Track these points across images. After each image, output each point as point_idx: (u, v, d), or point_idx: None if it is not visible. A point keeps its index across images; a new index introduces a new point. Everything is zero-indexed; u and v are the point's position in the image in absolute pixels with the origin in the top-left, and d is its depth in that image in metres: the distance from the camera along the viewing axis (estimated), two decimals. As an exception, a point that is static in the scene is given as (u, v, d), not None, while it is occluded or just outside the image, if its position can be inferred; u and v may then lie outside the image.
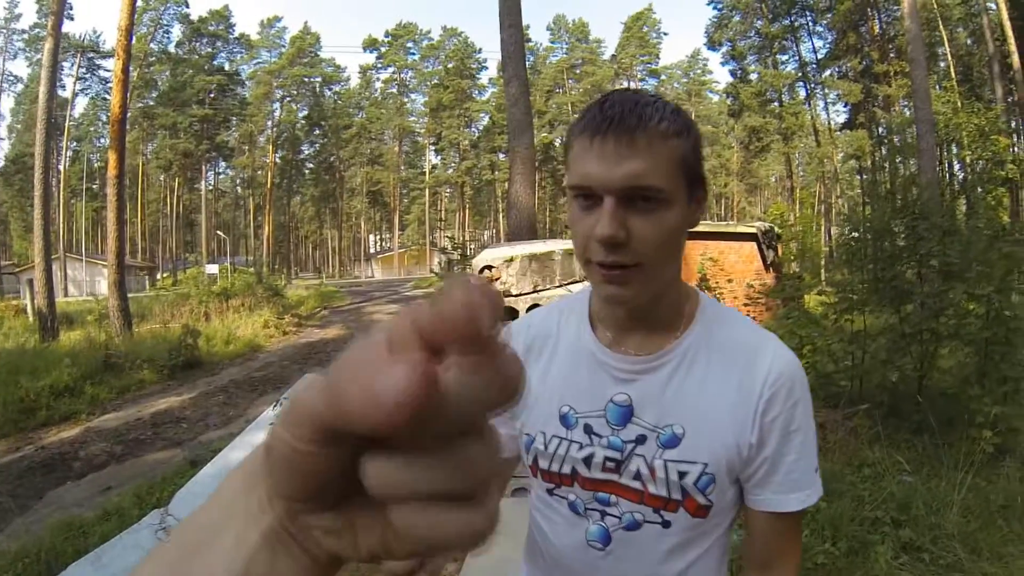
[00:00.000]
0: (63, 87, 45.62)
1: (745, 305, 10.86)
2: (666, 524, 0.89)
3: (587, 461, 0.91)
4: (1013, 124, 26.75)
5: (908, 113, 29.21)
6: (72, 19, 46.26)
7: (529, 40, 57.13)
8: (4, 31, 50.49)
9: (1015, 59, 22.73)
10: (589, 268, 0.85)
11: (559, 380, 0.95)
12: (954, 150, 28.80)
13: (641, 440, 0.88)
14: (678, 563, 0.90)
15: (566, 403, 0.93)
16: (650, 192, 0.80)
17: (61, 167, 45.24)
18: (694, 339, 0.91)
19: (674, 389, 0.89)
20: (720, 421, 0.87)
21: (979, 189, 15.59)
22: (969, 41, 30.97)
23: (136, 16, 14.40)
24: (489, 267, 5.24)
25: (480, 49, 65.36)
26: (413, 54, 66.17)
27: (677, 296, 0.93)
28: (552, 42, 64.50)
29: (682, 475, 0.87)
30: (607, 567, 0.92)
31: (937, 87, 28.05)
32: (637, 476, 0.88)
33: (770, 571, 0.93)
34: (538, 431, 0.95)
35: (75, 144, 53.62)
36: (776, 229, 12.36)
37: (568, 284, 8.18)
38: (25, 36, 50.00)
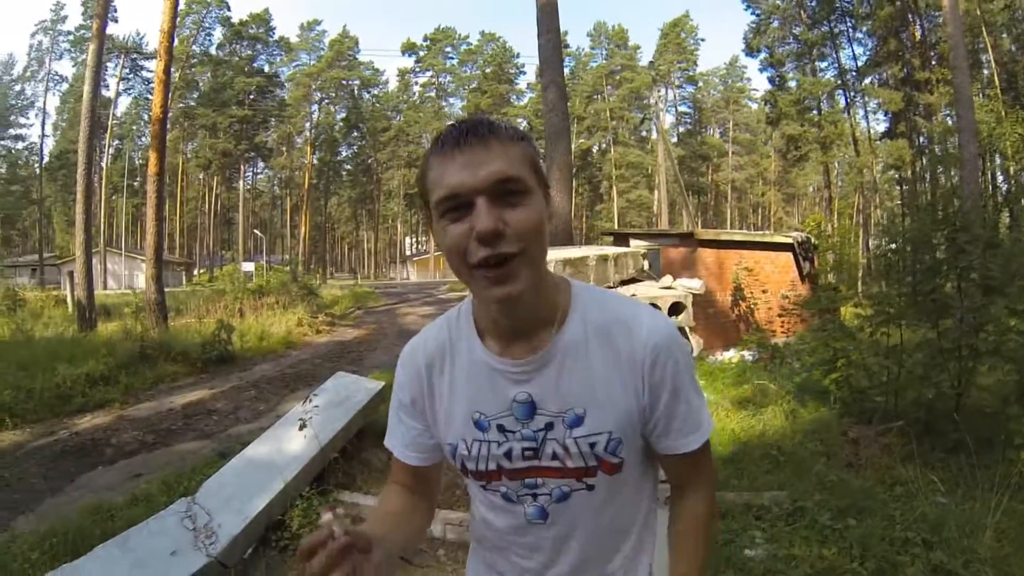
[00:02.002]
0: (107, 87, 46.94)
1: (779, 316, 10.72)
2: (590, 488, 1.00)
3: (507, 455, 1.00)
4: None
5: (950, 122, 28.55)
6: (116, 21, 47.54)
7: (568, 46, 57.20)
8: (51, 32, 52.06)
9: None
10: (473, 276, 0.89)
11: (465, 392, 1.03)
12: (997, 160, 28.09)
13: (550, 427, 0.98)
14: (608, 512, 1.03)
15: (476, 410, 1.01)
16: (516, 184, 0.87)
17: (103, 164, 46.39)
18: (574, 327, 0.99)
19: (567, 377, 0.97)
20: (614, 393, 0.97)
21: (1023, 201, 15.16)
22: (1013, 47, 30.12)
23: (178, 19, 14.73)
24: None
25: (518, 54, 65.72)
26: (451, 58, 66.68)
27: (550, 290, 1.00)
28: (592, 48, 64.41)
29: (592, 446, 0.97)
30: (551, 535, 1.03)
31: (980, 95, 27.37)
32: (555, 456, 0.99)
33: (685, 492, 1.08)
34: (459, 439, 1.04)
35: (117, 142, 54.94)
36: (813, 240, 12.17)
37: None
38: (71, 37, 51.54)
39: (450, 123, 0.92)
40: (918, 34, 33.08)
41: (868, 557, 3.12)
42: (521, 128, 0.96)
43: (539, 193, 0.92)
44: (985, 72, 29.88)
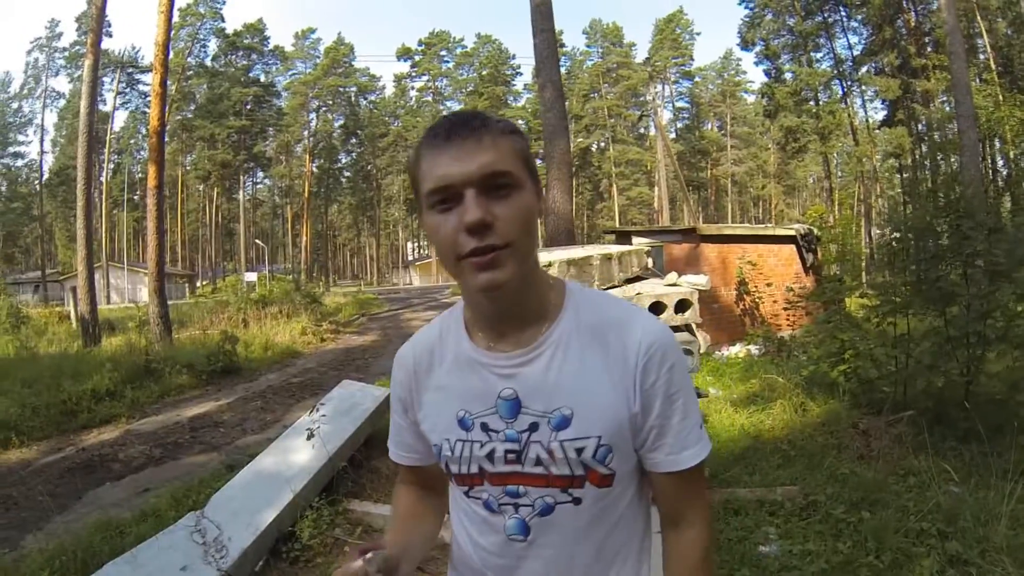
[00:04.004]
0: (103, 102, 46.99)
1: (785, 309, 10.68)
2: (577, 501, 0.95)
3: (490, 457, 0.97)
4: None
5: (948, 108, 28.49)
6: (111, 36, 47.83)
7: (564, 45, 57.22)
8: (46, 49, 52.14)
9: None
10: (460, 266, 0.88)
11: (451, 389, 1.01)
12: (997, 145, 28.01)
13: (534, 427, 0.94)
14: (596, 534, 0.97)
15: (462, 408, 0.99)
16: (505, 178, 0.87)
17: (103, 179, 46.47)
18: (565, 324, 0.97)
19: (554, 374, 0.94)
20: (603, 395, 0.93)
21: (1025, 185, 15.13)
22: (1009, 31, 30.04)
23: (173, 31, 14.75)
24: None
25: (514, 55, 65.74)
26: (447, 62, 66.73)
27: (542, 285, 0.98)
28: (587, 46, 64.43)
29: (579, 451, 0.92)
30: (531, 556, 0.98)
31: (977, 80, 27.30)
32: (538, 462, 0.94)
33: (680, 525, 1.00)
34: (443, 439, 1.01)
35: (116, 156, 55.07)
36: (815, 231, 12.13)
37: (607, 288, 8.15)
38: (66, 53, 51.49)
39: (443, 115, 0.93)
40: (913, 21, 33.02)
41: (883, 549, 3.10)
42: (517, 125, 0.93)
43: (530, 187, 0.91)
44: (981, 57, 29.84)
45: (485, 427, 0.97)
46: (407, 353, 1.09)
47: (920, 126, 34.09)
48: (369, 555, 0.82)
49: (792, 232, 11.74)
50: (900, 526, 3.29)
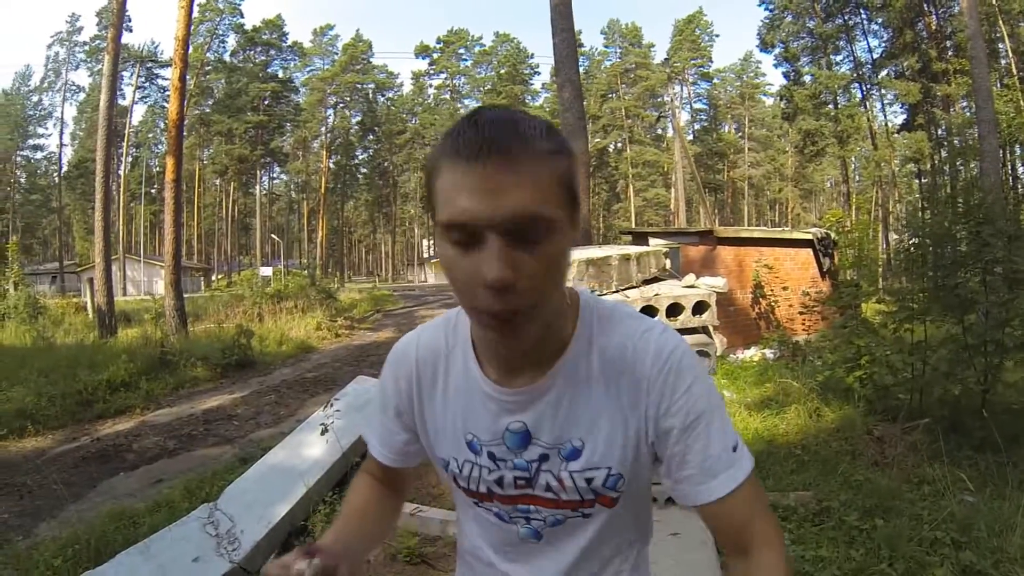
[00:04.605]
0: (123, 95, 47.39)
1: (800, 313, 10.62)
2: (586, 516, 0.93)
3: (499, 482, 0.93)
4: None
5: (968, 113, 28.17)
6: (131, 31, 47.80)
7: (583, 45, 57.06)
8: (67, 43, 52.75)
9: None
10: (473, 313, 0.78)
11: (458, 410, 0.94)
12: (1018, 151, 27.67)
13: (544, 458, 0.90)
14: (606, 534, 0.95)
15: (469, 431, 0.94)
16: (540, 223, 0.72)
17: (121, 172, 46.80)
18: (578, 352, 0.89)
19: (566, 408, 0.88)
20: (615, 426, 0.88)
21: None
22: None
23: (192, 27, 14.83)
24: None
25: (532, 54, 65.60)
26: (465, 60, 66.77)
27: (560, 319, 0.88)
28: (606, 46, 64.26)
29: (590, 481, 0.89)
30: (544, 551, 0.97)
31: (998, 85, 26.96)
32: (548, 488, 0.91)
33: (745, 554, 0.87)
34: (451, 456, 0.96)
35: (135, 150, 55.56)
36: (832, 235, 12.05)
37: (625, 289, 8.15)
38: (86, 48, 52.14)
39: (472, 113, 0.75)
40: (934, 24, 32.66)
41: (897, 558, 3.08)
42: (557, 130, 0.78)
43: (567, 224, 0.76)
44: (1003, 62, 29.46)
45: (492, 456, 0.92)
46: (407, 358, 0.99)
47: (940, 131, 33.70)
48: (309, 562, 0.79)
49: (809, 236, 11.66)
50: (914, 534, 3.25)
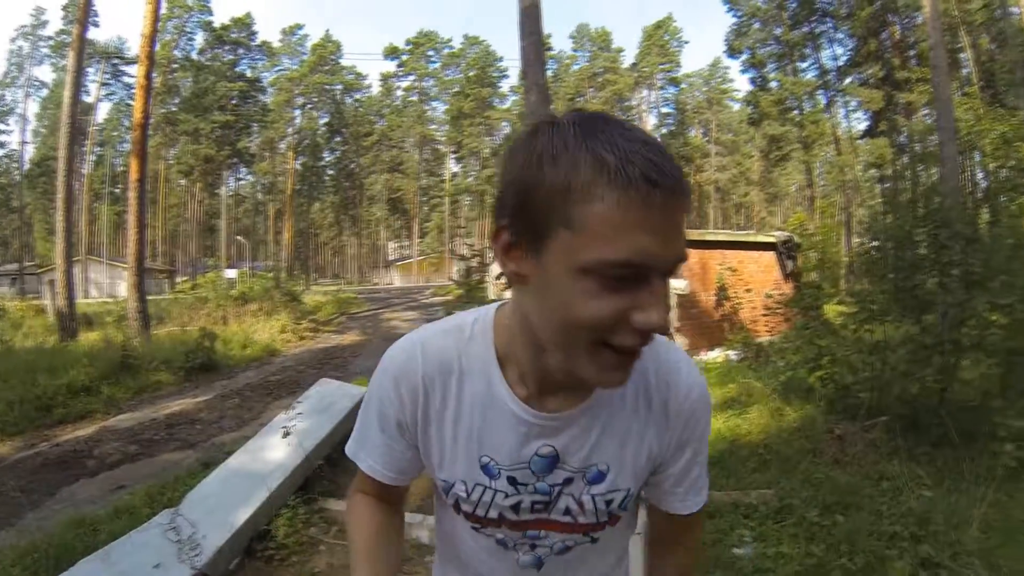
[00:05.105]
0: (87, 92, 46.41)
1: (763, 315, 10.77)
2: (594, 540, 0.94)
3: (515, 508, 0.90)
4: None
5: (930, 121, 28.84)
6: (97, 26, 46.83)
7: (551, 48, 57.31)
8: (31, 37, 51.43)
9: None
10: (594, 351, 0.69)
11: (474, 430, 0.88)
12: (976, 158, 28.38)
13: (568, 482, 0.89)
14: (600, 557, 0.98)
15: (485, 454, 0.88)
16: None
17: (84, 171, 45.89)
18: None
19: (597, 433, 0.87)
20: (641, 452, 0.90)
21: (1002, 197, 15.36)
22: (992, 46, 30.52)
23: (160, 23, 14.54)
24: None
25: (502, 57, 65.57)
26: (434, 62, 66.51)
27: None
28: (574, 50, 64.56)
29: (609, 503, 0.90)
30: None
31: (959, 93, 27.67)
32: (567, 512, 0.90)
33: (670, 550, 1.03)
34: (458, 479, 0.90)
35: (98, 149, 54.42)
36: (796, 239, 12.25)
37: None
38: (51, 42, 50.84)
39: (613, 125, 0.66)
40: (897, 34, 33.42)
41: (856, 552, 3.14)
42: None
43: None
44: (964, 71, 30.24)
45: (513, 481, 0.88)
46: (412, 373, 0.88)
47: (902, 137, 34.46)
48: None
49: (773, 239, 11.84)
50: (873, 529, 3.32)
